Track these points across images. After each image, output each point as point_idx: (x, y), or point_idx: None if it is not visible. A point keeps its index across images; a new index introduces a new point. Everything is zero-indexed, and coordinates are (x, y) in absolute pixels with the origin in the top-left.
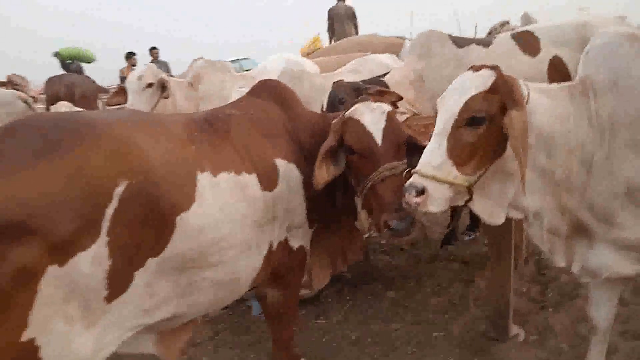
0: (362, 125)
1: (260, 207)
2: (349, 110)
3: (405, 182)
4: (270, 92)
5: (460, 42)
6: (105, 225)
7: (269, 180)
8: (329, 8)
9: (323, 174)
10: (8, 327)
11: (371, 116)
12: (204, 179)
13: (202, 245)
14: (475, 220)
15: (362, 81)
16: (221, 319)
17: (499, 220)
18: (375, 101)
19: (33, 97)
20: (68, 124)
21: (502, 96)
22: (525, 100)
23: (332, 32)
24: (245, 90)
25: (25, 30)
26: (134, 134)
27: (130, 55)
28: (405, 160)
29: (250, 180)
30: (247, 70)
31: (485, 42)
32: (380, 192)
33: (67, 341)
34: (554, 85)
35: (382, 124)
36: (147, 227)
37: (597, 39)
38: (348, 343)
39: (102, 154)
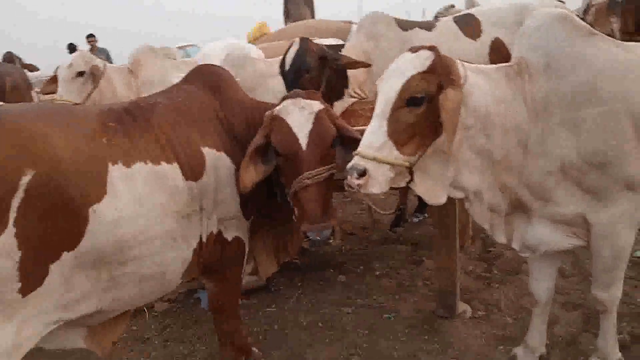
0: (288, 126)
1: (184, 197)
2: (277, 107)
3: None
4: (203, 78)
5: (404, 25)
6: (12, 216)
7: (193, 170)
8: None
9: (251, 174)
10: None
11: (298, 117)
12: (115, 171)
13: (119, 238)
14: (423, 202)
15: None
16: (169, 313)
17: (441, 200)
18: (307, 98)
19: None
20: None
21: (439, 76)
22: (462, 81)
23: (287, 14)
24: None
25: None
26: (39, 126)
27: (73, 48)
28: (333, 164)
29: (171, 170)
30: None
31: (429, 26)
32: (301, 201)
33: None
34: (491, 67)
35: (309, 126)
36: (58, 218)
37: (529, 20)
38: (299, 329)
39: (5, 144)
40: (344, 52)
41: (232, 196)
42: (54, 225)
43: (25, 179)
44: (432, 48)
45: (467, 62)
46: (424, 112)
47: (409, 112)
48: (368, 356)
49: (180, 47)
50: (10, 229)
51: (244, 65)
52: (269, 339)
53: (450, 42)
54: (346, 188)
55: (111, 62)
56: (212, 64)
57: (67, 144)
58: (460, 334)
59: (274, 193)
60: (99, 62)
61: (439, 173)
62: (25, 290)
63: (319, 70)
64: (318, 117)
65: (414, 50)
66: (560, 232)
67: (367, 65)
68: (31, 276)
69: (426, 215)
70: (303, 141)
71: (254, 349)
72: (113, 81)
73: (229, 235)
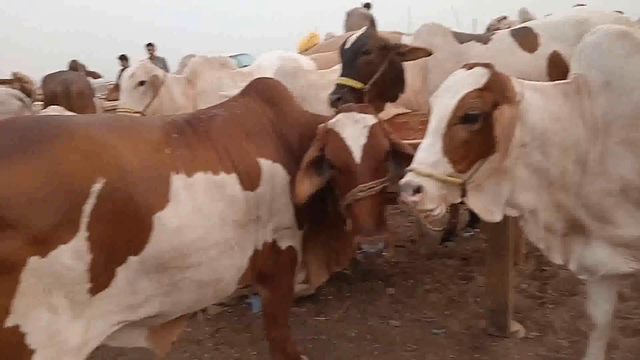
0: (342, 140)
1: (242, 207)
2: (331, 121)
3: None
4: (260, 91)
5: (461, 38)
6: (85, 220)
7: (250, 180)
8: (349, 9)
9: (305, 187)
10: None
11: (353, 130)
12: (178, 180)
13: (181, 245)
14: (474, 216)
15: None
16: (222, 317)
17: (496, 217)
18: (361, 112)
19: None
20: (46, 126)
21: (495, 94)
22: (519, 98)
23: (348, 27)
24: None
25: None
26: (109, 136)
27: (124, 58)
28: (385, 178)
29: (230, 180)
30: (245, 66)
31: (485, 39)
32: (354, 214)
33: (54, 330)
34: (549, 84)
35: (363, 140)
36: (125, 224)
37: (589, 37)
38: (347, 340)
39: (79, 153)
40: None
41: (287, 206)
42: (121, 230)
43: (97, 187)
44: (487, 65)
45: (524, 76)
46: (479, 129)
47: (463, 129)
48: None
49: (232, 56)
50: (83, 233)
51: (296, 77)
52: (317, 348)
53: (506, 56)
54: (400, 204)
55: (168, 70)
56: (269, 78)
57: (135, 154)
58: (512, 355)
59: (327, 204)
60: (159, 72)
61: (494, 191)
62: (94, 291)
63: (378, 57)
64: (372, 131)
65: (469, 67)
66: (620, 255)
67: (429, 52)
68: (100, 278)
69: (477, 230)
70: (357, 154)
71: (303, 357)
72: (172, 90)
73: (283, 244)
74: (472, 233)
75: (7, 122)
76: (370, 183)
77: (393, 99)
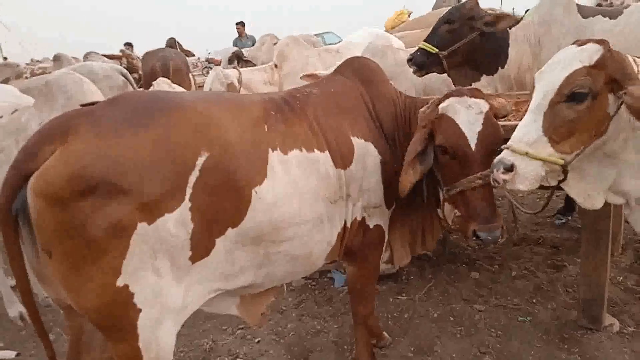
0: (457, 126)
1: (333, 184)
2: (443, 105)
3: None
4: (355, 70)
5: (585, 12)
6: (189, 191)
7: (343, 159)
8: None
9: (410, 177)
10: (104, 272)
11: (467, 116)
12: (275, 156)
13: (276, 219)
14: (568, 204)
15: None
16: (305, 289)
17: (597, 204)
18: (471, 96)
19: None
20: (160, 100)
21: (610, 72)
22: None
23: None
24: None
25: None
26: (213, 111)
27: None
28: None
29: (323, 158)
30: (329, 45)
31: (614, 13)
32: (470, 201)
33: (159, 292)
34: None
35: (479, 126)
36: (225, 197)
37: None
38: (429, 320)
39: (187, 127)
40: (511, 34)
41: (377, 186)
42: (222, 202)
43: (201, 160)
44: (601, 42)
45: None
46: (587, 109)
47: (569, 107)
48: (500, 357)
49: (317, 34)
50: (187, 203)
51: (385, 55)
52: (398, 326)
53: (637, 32)
54: (492, 183)
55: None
56: (364, 57)
57: (236, 130)
58: (605, 349)
59: (419, 187)
60: (233, 77)
61: (598, 175)
62: (194, 258)
63: (462, 27)
64: (487, 117)
65: (581, 43)
66: None
67: (515, 20)
68: (200, 246)
69: (570, 218)
70: (473, 141)
71: (384, 333)
72: (252, 86)
73: (371, 223)
74: (564, 221)
75: (123, 96)
76: (487, 171)
77: (490, 71)
